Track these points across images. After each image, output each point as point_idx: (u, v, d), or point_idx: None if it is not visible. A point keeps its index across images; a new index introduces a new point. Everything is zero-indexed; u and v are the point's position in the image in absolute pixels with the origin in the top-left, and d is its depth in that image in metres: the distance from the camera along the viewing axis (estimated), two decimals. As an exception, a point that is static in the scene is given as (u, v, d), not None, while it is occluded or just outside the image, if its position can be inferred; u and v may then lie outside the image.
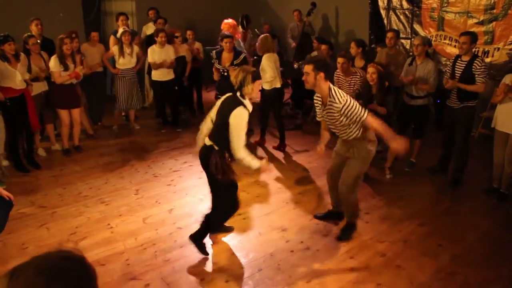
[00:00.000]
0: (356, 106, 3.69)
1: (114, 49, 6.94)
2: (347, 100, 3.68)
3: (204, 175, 5.54)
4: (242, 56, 6.20)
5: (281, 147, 6.58)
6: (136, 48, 7.07)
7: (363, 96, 5.25)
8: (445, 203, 5.05)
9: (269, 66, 6.20)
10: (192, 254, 3.91)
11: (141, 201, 4.93)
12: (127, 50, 6.89)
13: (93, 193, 5.10)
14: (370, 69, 5.13)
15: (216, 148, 3.68)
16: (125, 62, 6.93)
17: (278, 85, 6.36)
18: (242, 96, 3.66)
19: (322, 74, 3.73)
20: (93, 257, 3.84)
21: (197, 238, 3.94)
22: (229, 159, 3.75)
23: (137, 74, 7.24)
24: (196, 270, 3.70)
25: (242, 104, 3.58)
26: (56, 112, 6.12)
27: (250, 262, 3.83)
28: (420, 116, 5.69)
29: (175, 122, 7.52)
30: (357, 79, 5.63)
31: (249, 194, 5.10)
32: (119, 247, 4.01)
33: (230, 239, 4.18)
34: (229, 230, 4.32)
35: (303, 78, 3.87)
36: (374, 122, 3.72)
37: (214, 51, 6.40)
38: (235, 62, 6.10)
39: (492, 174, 5.21)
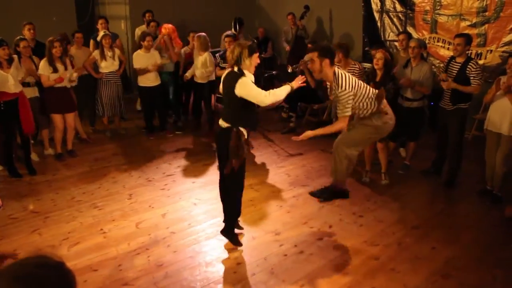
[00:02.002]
0: (347, 101, 3.80)
1: (95, 53, 6.81)
2: (346, 90, 3.77)
3: (197, 179, 5.60)
4: None
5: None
6: (117, 51, 6.98)
7: (368, 81, 5.32)
8: (439, 205, 5.05)
9: (212, 61, 6.89)
10: (185, 259, 3.89)
11: (135, 205, 4.91)
12: (108, 53, 6.78)
13: (86, 198, 5.07)
14: (378, 55, 5.21)
15: (234, 129, 3.74)
16: (108, 65, 6.81)
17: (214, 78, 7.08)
18: (241, 70, 3.71)
19: (327, 61, 3.79)
20: (85, 262, 3.82)
21: (225, 230, 4.14)
22: (246, 137, 3.82)
23: (121, 78, 7.14)
24: (189, 275, 3.68)
25: (242, 74, 3.67)
26: (50, 117, 6.08)
27: (243, 266, 3.81)
28: (415, 118, 5.69)
29: (163, 127, 7.47)
30: (355, 71, 5.63)
31: (242, 198, 5.07)
32: (112, 252, 3.98)
33: (223, 244, 4.16)
34: (239, 228, 4.37)
35: (309, 66, 3.92)
36: (340, 124, 3.99)
37: (218, 54, 6.47)
38: None
39: (485, 176, 5.23)
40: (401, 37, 6.38)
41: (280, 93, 3.81)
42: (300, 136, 4.06)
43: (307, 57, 7.25)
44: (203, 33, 7.01)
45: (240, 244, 4.12)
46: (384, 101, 3.98)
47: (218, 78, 6.75)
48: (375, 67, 5.25)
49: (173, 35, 7.28)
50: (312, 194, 4.84)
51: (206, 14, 10.15)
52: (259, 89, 3.68)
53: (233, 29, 8.37)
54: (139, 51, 6.94)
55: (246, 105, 3.71)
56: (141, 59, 6.87)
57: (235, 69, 3.73)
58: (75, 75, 6.07)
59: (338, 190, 4.56)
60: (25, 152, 5.77)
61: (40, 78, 5.81)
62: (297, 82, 3.89)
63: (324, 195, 4.80)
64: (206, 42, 6.89)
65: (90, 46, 7.35)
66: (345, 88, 3.78)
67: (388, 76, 5.22)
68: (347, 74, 3.89)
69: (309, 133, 4.03)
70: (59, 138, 6.18)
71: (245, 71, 3.72)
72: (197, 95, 7.46)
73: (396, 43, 8.02)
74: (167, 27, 7.28)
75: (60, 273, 1.20)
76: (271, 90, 3.76)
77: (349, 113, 3.89)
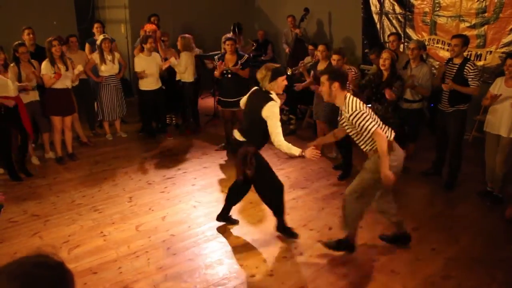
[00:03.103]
0: (365, 118, 3.58)
1: (95, 57, 6.81)
2: (356, 110, 3.59)
3: (197, 182, 5.62)
4: (245, 57, 6.48)
5: (196, 129, 7.69)
6: (117, 55, 6.99)
7: (374, 82, 5.29)
8: (439, 206, 5.05)
9: (192, 61, 7.18)
10: (185, 262, 3.90)
11: (134, 208, 4.92)
12: (108, 57, 6.80)
13: (87, 201, 5.08)
14: (385, 55, 5.16)
15: (248, 147, 3.95)
16: (108, 69, 6.82)
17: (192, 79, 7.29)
18: (267, 91, 3.89)
19: (337, 84, 3.66)
20: (86, 265, 3.83)
21: (279, 227, 4.34)
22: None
23: (121, 82, 7.16)
24: (189, 277, 3.69)
25: (270, 99, 3.84)
26: (49, 119, 6.11)
27: (243, 268, 3.81)
28: (414, 119, 5.70)
29: (164, 130, 7.47)
30: (352, 75, 5.57)
31: (242, 201, 5.06)
32: (112, 255, 3.99)
33: (223, 246, 4.17)
34: (234, 222, 4.55)
35: (319, 89, 3.96)
36: (381, 138, 3.56)
37: (217, 56, 6.57)
38: (240, 62, 6.33)
39: (485, 177, 5.22)
40: (392, 38, 6.39)
41: (291, 149, 3.88)
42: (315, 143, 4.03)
43: (306, 60, 7.31)
44: (187, 35, 7.27)
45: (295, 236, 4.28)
46: (376, 139, 3.63)
47: (218, 80, 6.78)
48: (382, 68, 5.20)
49: (157, 35, 7.38)
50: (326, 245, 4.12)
51: (206, 17, 10.17)
52: (279, 125, 3.86)
53: (231, 34, 8.41)
54: (140, 54, 6.93)
55: (266, 127, 3.89)
56: (143, 62, 6.88)
57: (263, 89, 3.91)
58: (79, 67, 6.07)
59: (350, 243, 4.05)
60: (20, 154, 5.75)
61: (41, 81, 5.83)
62: (311, 154, 3.86)
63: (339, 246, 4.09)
64: (189, 43, 7.13)
65: (86, 50, 7.36)
66: (354, 108, 3.59)
67: (394, 76, 5.18)
68: (359, 100, 3.69)
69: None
70: (58, 140, 6.19)
71: (272, 94, 3.91)
72: (184, 94, 7.49)
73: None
74: (150, 27, 7.36)
75: (58, 273, 1.21)
76: (287, 143, 3.88)
77: (376, 127, 3.57)
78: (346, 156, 5.77)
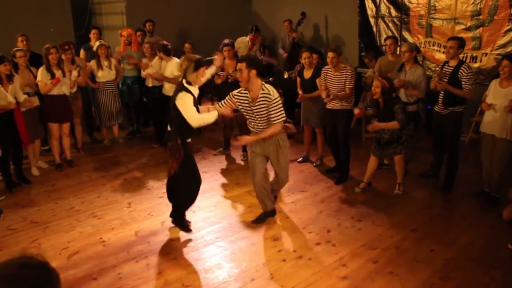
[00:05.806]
0: (280, 105, 4.19)
1: (92, 63, 6.88)
2: (276, 95, 4.17)
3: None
4: None
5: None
6: (113, 61, 7.05)
7: (373, 109, 5.30)
8: (437, 208, 5.06)
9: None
10: (184, 266, 3.91)
11: (134, 214, 4.93)
12: (104, 63, 6.86)
13: (86, 207, 5.09)
14: (375, 82, 5.13)
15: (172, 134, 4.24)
16: (105, 75, 6.89)
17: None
18: (188, 82, 4.13)
19: (254, 71, 4.12)
20: (85, 271, 3.83)
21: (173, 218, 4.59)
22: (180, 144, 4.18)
23: (117, 87, 7.24)
24: (189, 281, 3.69)
25: (184, 89, 4.10)
26: (47, 127, 6.11)
27: (242, 272, 3.81)
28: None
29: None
30: (348, 74, 5.51)
31: (241, 205, 5.10)
32: (111, 261, 3.99)
33: (222, 250, 4.17)
34: (187, 230, 4.54)
35: (237, 76, 4.26)
36: (274, 129, 4.25)
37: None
38: None
39: (482, 178, 5.25)
40: (388, 41, 6.40)
41: (208, 118, 4.23)
42: (239, 141, 4.52)
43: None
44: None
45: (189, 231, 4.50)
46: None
47: (217, 85, 6.78)
48: (374, 96, 5.15)
49: (133, 38, 7.47)
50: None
51: (203, 22, 10.21)
52: (193, 113, 4.10)
53: (249, 33, 8.58)
54: (156, 58, 7.02)
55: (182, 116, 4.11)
56: (156, 67, 6.95)
57: (183, 81, 4.13)
58: (75, 73, 6.09)
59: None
60: (17, 164, 5.71)
61: (36, 87, 5.83)
62: (227, 112, 4.39)
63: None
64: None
65: (81, 55, 7.38)
66: (275, 94, 4.16)
67: (390, 102, 5.08)
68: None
69: (248, 138, 4.42)
70: (56, 147, 6.20)
71: (193, 84, 4.17)
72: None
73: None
74: (126, 30, 7.48)
75: (42, 272, 1.25)
76: (203, 115, 4.21)
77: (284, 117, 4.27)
78: (345, 161, 5.78)
